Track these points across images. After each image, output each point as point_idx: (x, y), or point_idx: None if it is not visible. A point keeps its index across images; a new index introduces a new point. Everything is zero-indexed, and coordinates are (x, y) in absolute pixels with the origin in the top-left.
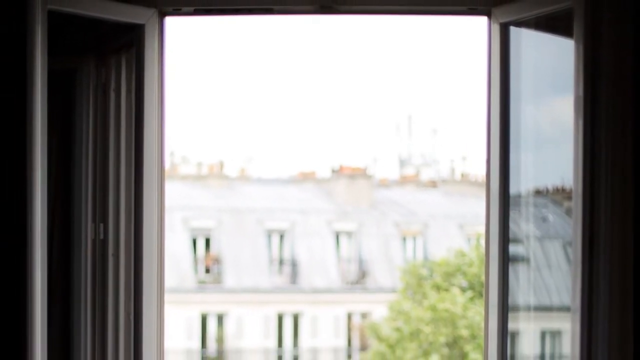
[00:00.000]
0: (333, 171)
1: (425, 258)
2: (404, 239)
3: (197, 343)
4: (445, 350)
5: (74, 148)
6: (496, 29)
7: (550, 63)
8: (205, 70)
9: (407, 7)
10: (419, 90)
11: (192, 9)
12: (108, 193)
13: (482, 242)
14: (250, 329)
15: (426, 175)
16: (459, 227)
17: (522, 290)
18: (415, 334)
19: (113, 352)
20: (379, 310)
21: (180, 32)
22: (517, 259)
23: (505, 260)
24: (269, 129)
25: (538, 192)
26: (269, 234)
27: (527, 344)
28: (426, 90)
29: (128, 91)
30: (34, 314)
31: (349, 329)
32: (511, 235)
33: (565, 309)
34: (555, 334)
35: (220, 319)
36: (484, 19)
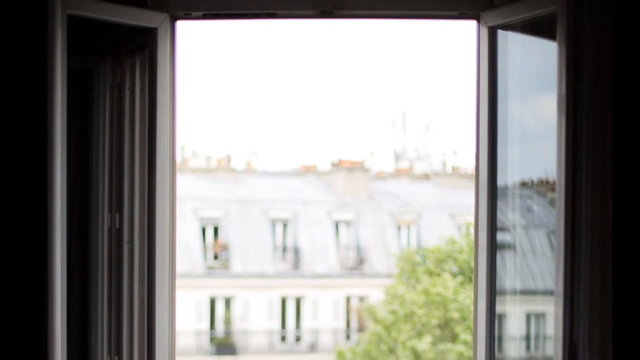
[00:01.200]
0: (333, 164)
1: (419, 245)
2: (399, 228)
3: (206, 325)
4: (437, 331)
5: (92, 143)
6: (485, 32)
7: (535, 64)
8: (214, 70)
9: (402, 12)
10: (413, 88)
11: (201, 13)
12: (123, 185)
13: (472, 230)
14: (255, 311)
15: (419, 168)
16: (450, 217)
17: (509, 276)
18: (409, 316)
19: (128, 333)
20: (375, 294)
21: (191, 35)
22: (504, 246)
23: (493, 247)
24: (273, 125)
25: (524, 184)
26: (273, 223)
27: (514, 325)
28: (419, 88)
29: (142, 90)
30: (55, 298)
31: (348, 312)
32: (498, 224)
33: (549, 292)
34: (540, 316)
35: (227, 302)
36: (473, 23)
